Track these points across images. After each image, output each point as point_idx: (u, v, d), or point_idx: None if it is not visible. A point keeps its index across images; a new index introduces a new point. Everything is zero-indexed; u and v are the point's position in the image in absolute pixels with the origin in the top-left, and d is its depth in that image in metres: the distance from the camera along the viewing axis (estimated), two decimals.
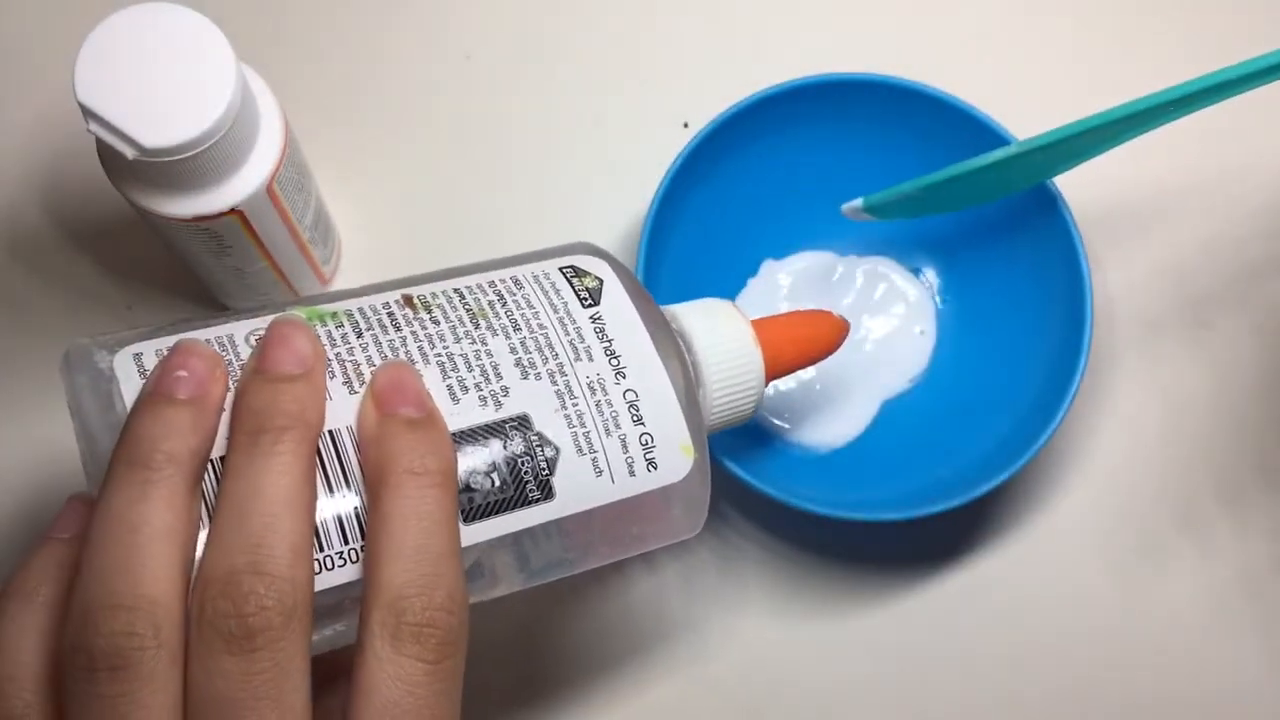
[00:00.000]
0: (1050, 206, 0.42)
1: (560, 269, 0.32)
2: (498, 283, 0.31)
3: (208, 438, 0.26)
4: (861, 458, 0.45)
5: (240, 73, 0.35)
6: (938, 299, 0.47)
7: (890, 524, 0.41)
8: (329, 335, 0.29)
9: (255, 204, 0.38)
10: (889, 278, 0.47)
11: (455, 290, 0.31)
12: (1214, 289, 0.49)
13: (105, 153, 0.37)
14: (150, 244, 0.46)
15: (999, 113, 0.43)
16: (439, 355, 0.29)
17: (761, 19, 0.51)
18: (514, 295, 0.31)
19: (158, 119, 0.34)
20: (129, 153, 0.34)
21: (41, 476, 0.45)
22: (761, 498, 0.40)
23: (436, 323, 0.30)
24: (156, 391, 0.26)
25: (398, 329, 0.29)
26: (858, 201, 0.43)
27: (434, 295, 0.30)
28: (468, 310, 0.30)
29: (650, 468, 0.29)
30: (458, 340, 0.29)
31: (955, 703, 0.44)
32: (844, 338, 0.37)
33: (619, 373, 0.30)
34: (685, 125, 0.48)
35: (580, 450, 0.29)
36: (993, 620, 0.45)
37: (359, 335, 0.29)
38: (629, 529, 0.30)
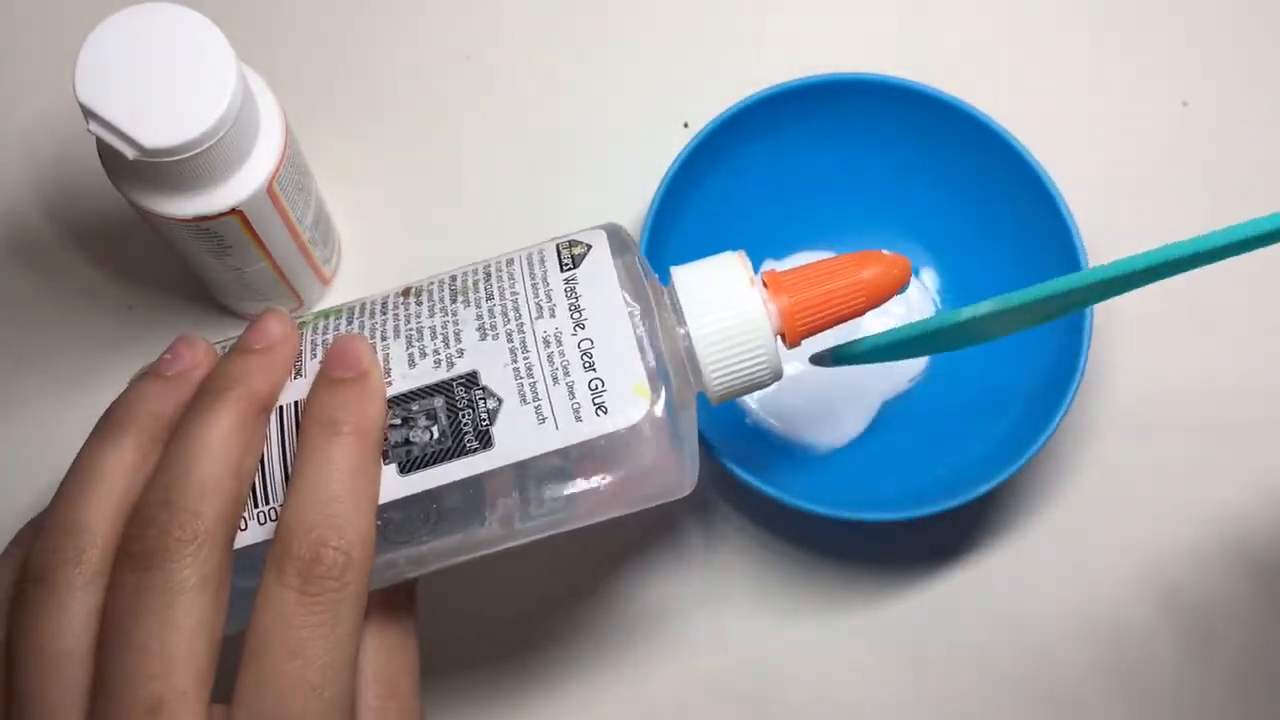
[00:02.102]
0: (1050, 207, 0.42)
1: (558, 243, 0.32)
2: (491, 264, 0.32)
3: (177, 405, 0.29)
4: (861, 458, 0.45)
5: (240, 73, 0.35)
6: (937, 299, 0.47)
7: (890, 524, 0.41)
8: (325, 328, 0.31)
9: (255, 204, 0.38)
10: None
11: (450, 276, 0.32)
12: (1215, 291, 0.49)
13: (105, 153, 0.37)
14: (150, 244, 0.46)
15: (998, 112, 0.43)
16: (410, 329, 0.30)
17: (761, 19, 0.51)
18: (500, 271, 0.31)
19: (158, 119, 0.34)
20: (129, 153, 0.34)
21: (41, 477, 0.45)
22: (761, 497, 0.40)
23: (420, 304, 0.31)
24: (148, 371, 0.30)
25: (384, 313, 0.31)
26: (825, 352, 0.38)
27: (429, 283, 0.32)
28: (452, 290, 0.31)
29: (599, 412, 0.28)
30: (431, 315, 0.31)
31: (954, 702, 0.44)
32: (903, 277, 0.32)
33: (578, 324, 0.29)
34: (685, 125, 0.48)
35: (524, 400, 0.29)
36: (992, 620, 0.45)
37: (349, 322, 0.31)
38: (600, 479, 0.29)
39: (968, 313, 0.33)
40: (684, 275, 0.32)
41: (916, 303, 0.47)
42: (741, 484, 0.40)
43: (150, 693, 0.25)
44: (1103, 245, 0.48)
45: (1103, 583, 0.45)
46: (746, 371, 0.32)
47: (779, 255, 0.47)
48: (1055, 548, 0.45)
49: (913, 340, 0.35)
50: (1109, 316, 0.48)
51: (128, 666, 0.25)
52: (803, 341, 0.33)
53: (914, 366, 0.46)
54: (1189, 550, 0.46)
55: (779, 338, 0.32)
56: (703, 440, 0.40)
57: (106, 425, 0.29)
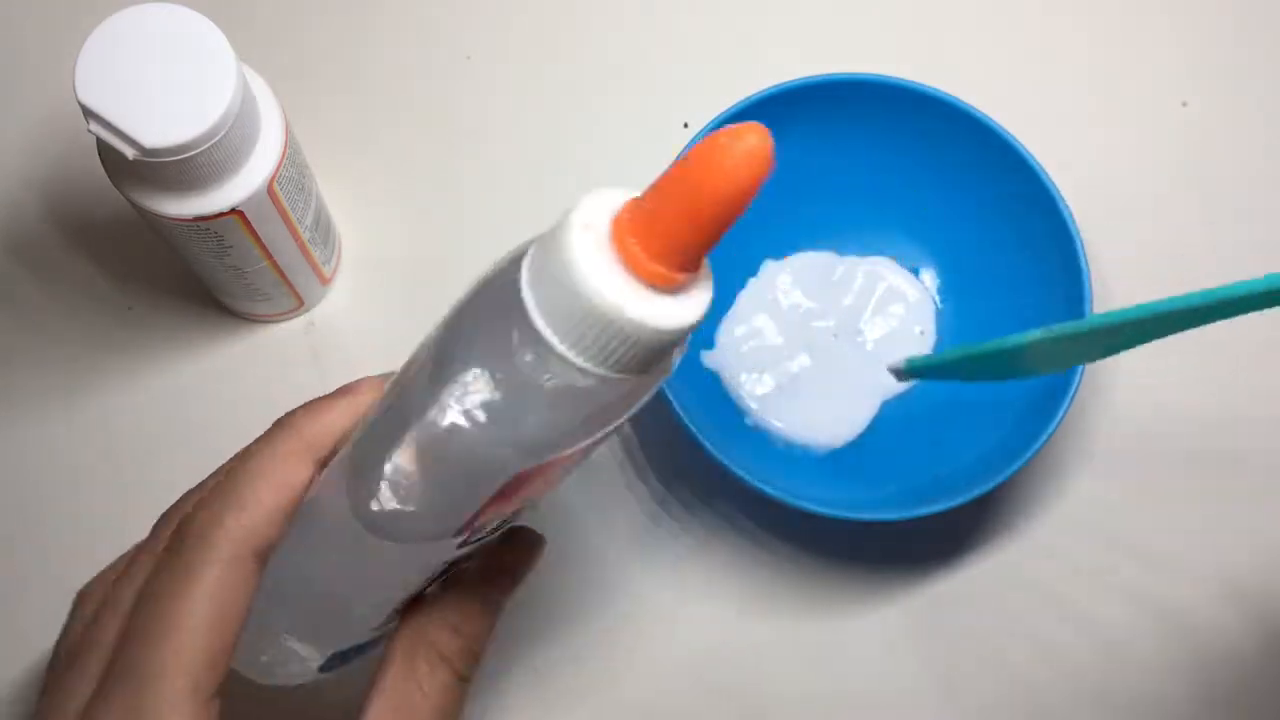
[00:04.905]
0: (1049, 206, 0.42)
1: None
2: None
3: None
4: (861, 458, 0.45)
5: (240, 73, 0.35)
6: (937, 299, 0.47)
7: (889, 524, 0.41)
8: None
9: (256, 204, 0.38)
10: (889, 278, 0.47)
11: None
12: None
13: (106, 153, 0.37)
14: (150, 244, 0.46)
15: (999, 112, 0.43)
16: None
17: (761, 19, 0.51)
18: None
19: (158, 119, 0.34)
20: (129, 153, 0.34)
21: (41, 476, 0.45)
22: (762, 497, 0.40)
23: None
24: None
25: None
26: (900, 362, 0.38)
27: None
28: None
29: None
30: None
31: (953, 702, 0.44)
32: (750, 163, 0.23)
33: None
34: (685, 125, 0.48)
35: None
36: (991, 620, 0.45)
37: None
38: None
39: (1034, 335, 0.32)
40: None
41: (917, 302, 0.47)
42: (742, 484, 0.40)
43: (157, 655, 0.27)
44: (1102, 245, 0.48)
45: (1102, 583, 0.45)
46: (585, 321, 0.24)
47: (779, 255, 0.47)
48: (1054, 548, 0.45)
49: (977, 360, 0.33)
50: None
51: (142, 627, 0.28)
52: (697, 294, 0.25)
53: None
54: (1188, 551, 0.46)
55: (635, 279, 0.24)
56: (703, 441, 0.40)
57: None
